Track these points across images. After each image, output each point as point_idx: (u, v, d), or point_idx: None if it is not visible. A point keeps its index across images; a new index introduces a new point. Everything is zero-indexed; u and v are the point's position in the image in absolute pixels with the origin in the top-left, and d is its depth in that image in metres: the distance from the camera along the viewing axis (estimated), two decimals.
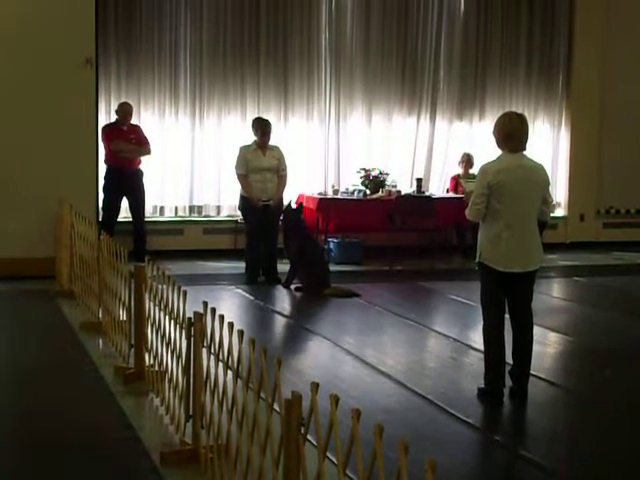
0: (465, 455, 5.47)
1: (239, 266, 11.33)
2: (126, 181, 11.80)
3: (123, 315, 6.95)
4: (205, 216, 13.06)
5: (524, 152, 6.35)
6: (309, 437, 3.35)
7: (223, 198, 13.06)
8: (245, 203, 10.89)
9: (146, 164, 12.11)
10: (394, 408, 6.06)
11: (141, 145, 11.94)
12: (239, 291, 10.28)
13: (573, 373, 7.65)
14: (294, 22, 13.19)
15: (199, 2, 12.72)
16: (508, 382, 6.33)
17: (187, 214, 12.95)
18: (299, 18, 13.21)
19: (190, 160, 12.86)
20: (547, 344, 8.45)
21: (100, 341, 7.66)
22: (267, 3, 13.01)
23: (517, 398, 6.25)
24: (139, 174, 11.97)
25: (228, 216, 13.02)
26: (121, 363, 6.77)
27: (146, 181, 12.09)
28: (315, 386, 3.18)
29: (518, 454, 5.29)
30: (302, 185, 13.09)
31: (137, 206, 12.02)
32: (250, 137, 11.06)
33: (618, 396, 6.69)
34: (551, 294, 11.06)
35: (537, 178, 6.34)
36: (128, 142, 11.81)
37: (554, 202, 14.61)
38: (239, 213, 11.60)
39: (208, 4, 12.75)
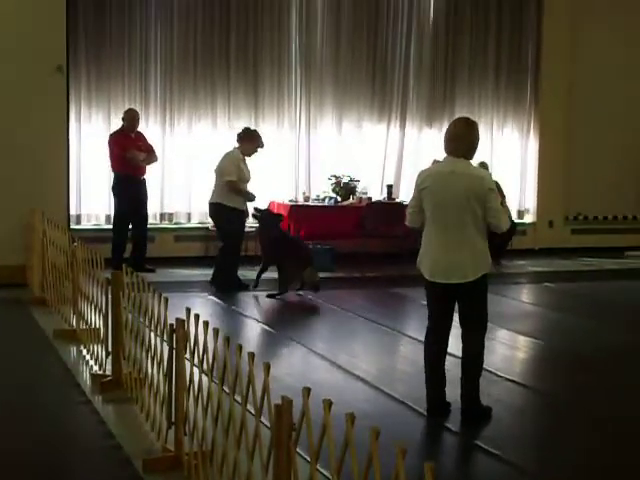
0: (445, 459, 5.53)
1: (210, 273, 11.32)
2: (137, 189, 11.77)
3: (99, 322, 6.93)
4: (176, 223, 13.04)
5: (468, 159, 6.03)
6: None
7: (194, 205, 13.05)
8: (232, 212, 10.67)
9: None
10: (371, 413, 6.07)
11: (150, 152, 11.93)
12: (212, 298, 10.28)
13: (544, 376, 7.75)
14: (264, 28, 13.19)
15: (169, 9, 12.69)
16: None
17: (158, 221, 12.90)
18: (269, 24, 13.22)
19: (161, 167, 12.79)
20: (518, 348, 8.58)
21: (74, 349, 7.61)
22: (237, 10, 13.02)
23: (462, 418, 6.02)
24: (145, 182, 11.98)
25: (199, 223, 13.01)
26: (97, 371, 6.74)
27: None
28: (307, 391, 3.20)
29: (496, 456, 5.33)
30: (273, 192, 13.11)
31: (145, 214, 12.00)
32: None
33: (586, 397, 6.82)
34: (521, 299, 11.19)
35: (468, 186, 5.88)
36: (139, 150, 11.78)
37: (524, 208, 14.79)
38: (211, 220, 11.51)
39: (179, 11, 12.73)
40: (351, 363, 7.51)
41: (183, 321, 4.75)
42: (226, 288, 10.68)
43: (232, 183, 10.58)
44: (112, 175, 11.86)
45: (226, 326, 9.03)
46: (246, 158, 10.80)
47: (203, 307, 9.87)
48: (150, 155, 11.91)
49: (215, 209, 10.86)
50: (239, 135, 10.89)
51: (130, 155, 11.60)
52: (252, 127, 11.62)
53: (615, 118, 14.85)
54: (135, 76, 12.65)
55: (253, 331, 9.19)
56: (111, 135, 11.86)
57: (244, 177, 10.68)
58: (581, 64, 14.73)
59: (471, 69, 14.27)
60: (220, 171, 10.71)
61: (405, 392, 6.58)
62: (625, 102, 14.94)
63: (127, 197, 11.65)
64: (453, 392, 6.10)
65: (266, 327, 9.15)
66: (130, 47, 12.58)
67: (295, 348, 8.17)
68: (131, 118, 11.86)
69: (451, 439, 5.87)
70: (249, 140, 10.79)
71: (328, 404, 3.02)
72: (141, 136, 11.99)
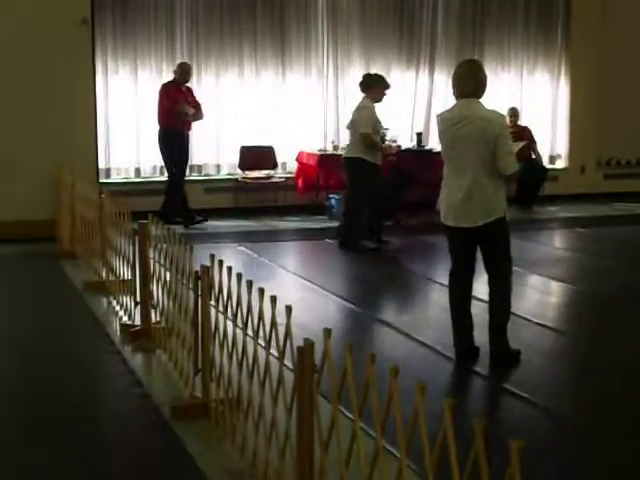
0: (473, 402, 5.53)
1: (240, 224, 11.34)
2: (184, 143, 11.70)
3: (127, 273, 6.95)
4: (205, 175, 13.01)
5: (478, 100, 5.89)
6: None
7: (222, 156, 13.02)
8: (373, 168, 10.03)
9: (145, 124, 12.08)
10: (399, 358, 6.02)
11: (197, 108, 11.79)
12: (242, 249, 10.29)
13: (574, 320, 7.73)
14: None
15: None
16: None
17: (188, 173, 12.87)
18: None
19: None
20: (548, 293, 8.55)
21: (104, 300, 7.65)
22: None
23: (490, 361, 5.96)
24: (189, 137, 11.90)
25: (228, 174, 12.99)
26: (127, 321, 6.78)
27: (148, 140, 12.07)
28: (327, 332, 3.18)
29: (525, 400, 5.31)
30: (301, 142, 13.05)
31: (186, 168, 11.99)
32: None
33: (617, 341, 6.76)
34: (553, 245, 11.12)
35: (478, 129, 5.76)
36: (188, 104, 11.65)
37: (556, 154, 14.63)
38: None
39: None
40: (380, 310, 7.53)
41: (207, 268, 4.74)
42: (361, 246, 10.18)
43: (366, 136, 9.98)
44: (157, 128, 11.70)
45: (253, 274, 9.04)
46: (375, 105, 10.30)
47: (232, 257, 9.87)
48: (198, 111, 11.77)
49: (354, 164, 10.13)
50: (362, 85, 10.38)
51: (180, 108, 11.48)
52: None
53: None
54: (161, 28, 12.55)
55: (281, 279, 9.10)
56: (163, 86, 11.70)
57: (378, 128, 10.21)
58: (613, 4, 14.41)
59: (500, 12, 14.03)
60: (355, 124, 10.16)
61: (434, 338, 6.55)
62: None
63: (178, 150, 11.58)
64: (482, 336, 6.07)
65: (295, 275, 9.11)
66: None
67: (323, 295, 8.13)
68: (183, 71, 11.72)
69: (480, 383, 5.86)
70: (374, 87, 10.30)
71: (349, 347, 3.00)
72: (191, 91, 11.88)
